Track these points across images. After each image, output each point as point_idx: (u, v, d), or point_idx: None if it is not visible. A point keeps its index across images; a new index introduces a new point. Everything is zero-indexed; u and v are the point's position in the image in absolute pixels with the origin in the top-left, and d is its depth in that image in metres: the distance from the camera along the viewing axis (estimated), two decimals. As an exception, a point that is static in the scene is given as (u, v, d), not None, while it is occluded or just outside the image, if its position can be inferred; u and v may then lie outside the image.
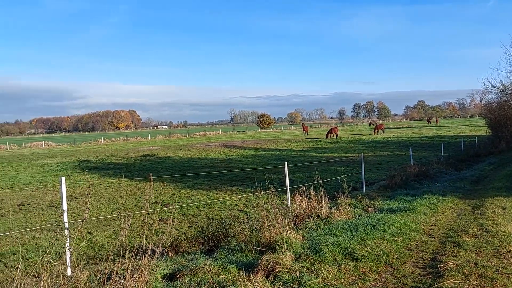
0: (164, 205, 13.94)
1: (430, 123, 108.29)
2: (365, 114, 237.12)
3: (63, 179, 7.14)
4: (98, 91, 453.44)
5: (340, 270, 5.82)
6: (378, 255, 6.38)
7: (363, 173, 15.02)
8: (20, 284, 4.27)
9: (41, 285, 3.96)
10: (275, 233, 7.20)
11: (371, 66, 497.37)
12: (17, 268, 6.25)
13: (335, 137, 51.47)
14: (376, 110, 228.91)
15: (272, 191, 8.65)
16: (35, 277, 4.31)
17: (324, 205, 10.05)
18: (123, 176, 21.29)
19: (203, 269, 5.75)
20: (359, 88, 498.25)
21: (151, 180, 5.51)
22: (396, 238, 7.44)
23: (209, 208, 13.55)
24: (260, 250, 6.78)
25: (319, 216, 9.54)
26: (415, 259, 6.45)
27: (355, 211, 10.25)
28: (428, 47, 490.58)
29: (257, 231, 7.61)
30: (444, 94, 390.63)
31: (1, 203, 16.30)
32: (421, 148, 33.89)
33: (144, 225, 10.78)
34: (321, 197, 10.15)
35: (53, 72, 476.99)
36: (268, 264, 5.73)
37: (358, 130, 79.46)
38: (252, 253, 6.76)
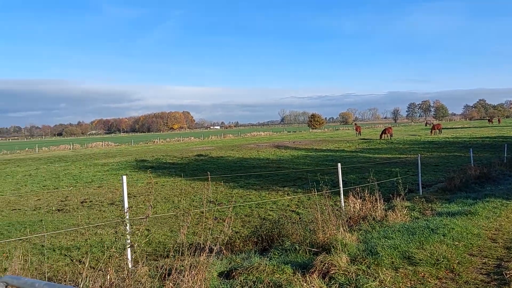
0: (217, 204, 14.20)
1: (492, 122, 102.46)
2: (420, 113, 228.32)
3: (124, 177, 7.47)
4: (154, 93, 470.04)
5: (397, 274, 5.68)
6: (438, 260, 6.16)
7: (419, 174, 14.52)
8: (88, 277, 4.53)
9: (107, 278, 4.18)
10: (329, 235, 7.15)
11: (427, 64, 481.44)
12: (83, 262, 6.61)
13: (389, 138, 50.00)
14: (432, 109, 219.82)
15: (325, 192, 8.59)
16: (101, 270, 4.55)
17: (379, 207, 9.84)
18: (182, 175, 21.89)
19: (258, 268, 5.82)
20: (415, 87, 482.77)
21: (209, 179, 5.65)
22: (457, 243, 7.15)
23: (261, 208, 13.65)
24: (314, 251, 6.75)
25: (374, 218, 9.35)
26: (478, 265, 6.17)
27: (412, 214, 9.96)
28: (489, 43, 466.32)
29: (310, 232, 7.59)
30: (507, 92, 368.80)
31: (66, 200, 17.31)
32: (482, 149, 32.17)
33: (199, 223, 11.08)
34: (375, 199, 9.94)
35: (113, 76, 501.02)
36: (323, 265, 5.70)
37: (413, 131, 76.74)
38: (306, 253, 6.75)
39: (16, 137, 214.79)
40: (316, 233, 7.34)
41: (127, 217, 6.52)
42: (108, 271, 4.29)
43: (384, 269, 5.74)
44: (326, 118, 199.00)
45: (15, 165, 35.35)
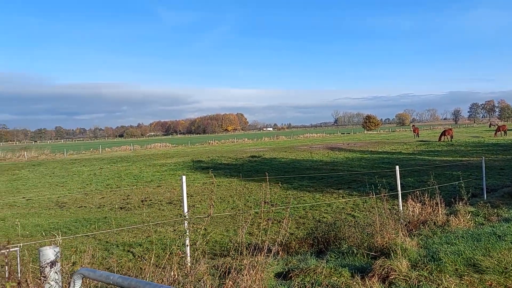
0: (272, 205, 14.27)
1: None
2: (484, 114, 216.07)
3: (184, 178, 7.72)
4: (209, 96, 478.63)
5: (462, 282, 5.44)
6: (507, 268, 5.83)
7: (483, 178, 13.79)
8: (152, 272, 4.74)
9: (171, 274, 4.36)
10: (388, 239, 6.98)
11: (491, 61, 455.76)
12: (144, 258, 6.90)
13: (449, 140, 47.79)
14: (497, 110, 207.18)
15: (384, 195, 8.40)
16: (165, 267, 4.74)
17: (440, 211, 9.45)
18: (238, 176, 22.21)
19: (315, 271, 5.81)
20: (477, 86, 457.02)
21: (267, 180, 5.72)
22: (527, 251, 6.73)
23: (316, 210, 13.56)
24: (372, 255, 6.63)
25: (434, 223, 9.00)
26: (552, 276, 5.77)
27: (476, 220, 9.48)
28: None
29: (368, 236, 7.46)
30: None
31: (127, 198, 18.12)
32: (554, 152, 29.98)
33: (254, 224, 11.21)
34: (436, 203, 9.56)
35: (170, 79, 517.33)
36: (383, 269, 5.58)
37: (476, 132, 72.82)
38: (364, 257, 6.65)
39: (81, 138, 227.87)
40: (374, 236, 7.20)
41: (187, 216, 6.74)
42: (172, 267, 4.47)
43: (447, 276, 5.52)
44: (381, 119, 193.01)
45: (81, 164, 37.50)
